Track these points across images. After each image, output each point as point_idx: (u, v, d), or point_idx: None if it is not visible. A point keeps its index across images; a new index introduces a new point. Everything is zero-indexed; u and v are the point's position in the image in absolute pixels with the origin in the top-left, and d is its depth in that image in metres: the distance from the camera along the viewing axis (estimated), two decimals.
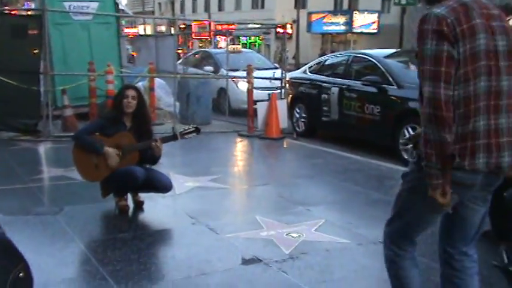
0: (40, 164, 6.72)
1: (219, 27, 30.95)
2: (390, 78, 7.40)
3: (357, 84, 7.89)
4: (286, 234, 4.06)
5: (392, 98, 7.26)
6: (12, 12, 12.77)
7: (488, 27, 2.09)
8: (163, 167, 5.80)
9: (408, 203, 2.28)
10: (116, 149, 4.35)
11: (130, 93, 4.47)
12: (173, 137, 4.54)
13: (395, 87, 7.26)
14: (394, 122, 7.12)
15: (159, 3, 55.36)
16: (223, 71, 11.65)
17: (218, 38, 36.71)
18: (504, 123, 2.11)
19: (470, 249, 2.37)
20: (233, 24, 32.06)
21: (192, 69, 12.70)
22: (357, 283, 3.33)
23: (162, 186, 4.49)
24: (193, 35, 41.36)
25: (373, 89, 7.55)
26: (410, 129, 6.88)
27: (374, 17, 36.26)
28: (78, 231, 4.05)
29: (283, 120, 8.78)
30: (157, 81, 10.47)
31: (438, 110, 1.98)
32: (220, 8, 47.39)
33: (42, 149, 7.49)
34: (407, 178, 2.28)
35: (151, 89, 9.87)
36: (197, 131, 4.60)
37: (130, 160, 4.36)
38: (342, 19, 36.10)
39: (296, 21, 32.79)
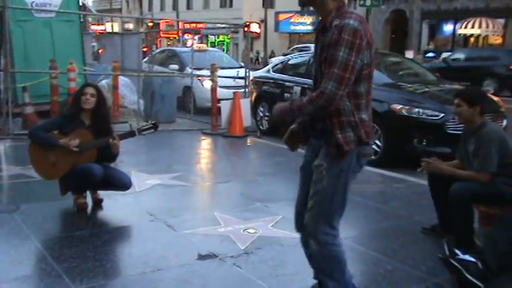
0: None
1: (188, 26, 30.84)
2: None
3: None
4: (243, 230, 4.14)
5: None
6: None
7: None
8: (125, 164, 5.84)
9: (335, 189, 2.60)
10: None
11: (89, 90, 4.48)
12: (131, 134, 4.56)
13: None
14: None
15: (127, 1, 54.74)
16: (188, 70, 11.66)
17: (186, 36, 36.56)
18: None
19: None
20: (201, 23, 31.98)
21: (157, 68, 12.65)
22: (309, 277, 3.37)
23: (121, 184, 4.51)
24: (161, 33, 41.09)
25: None
26: None
27: None
28: (34, 229, 4.04)
29: (246, 119, 8.86)
30: (122, 79, 10.42)
31: (329, 105, 2.42)
32: (189, 7, 47.21)
33: (1, 146, 7.37)
34: (329, 170, 2.58)
35: (115, 87, 9.82)
36: (155, 127, 4.63)
37: (88, 157, 4.37)
38: (308, 19, 36.47)
39: (264, 21, 32.95)
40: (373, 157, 6.92)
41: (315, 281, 2.94)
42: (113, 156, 4.52)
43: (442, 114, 6.53)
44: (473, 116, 3.70)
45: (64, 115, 4.63)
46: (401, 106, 6.77)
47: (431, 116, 6.58)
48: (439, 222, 4.03)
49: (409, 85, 7.69)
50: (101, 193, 4.72)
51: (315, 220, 2.66)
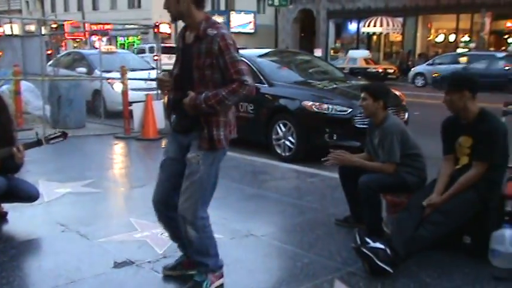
0: None
1: (95, 27, 29.74)
2: (261, 77, 7.67)
3: None
4: (161, 234, 4.05)
5: (265, 96, 7.55)
6: None
7: None
8: (32, 174, 5.52)
9: (209, 176, 2.96)
10: None
11: None
12: (37, 143, 4.30)
13: (267, 86, 7.56)
14: (267, 119, 7.41)
15: (27, 2, 51.85)
16: (97, 73, 11.27)
17: (94, 38, 35.26)
18: None
19: None
20: (109, 24, 30.97)
21: (63, 71, 12.13)
22: (228, 276, 3.40)
23: (26, 195, 4.26)
24: (66, 35, 39.33)
25: None
26: (282, 125, 7.21)
27: (250, 17, 37.22)
28: None
29: (160, 121, 8.72)
30: (25, 84, 9.88)
31: (251, 93, 2.84)
32: (95, 7, 45.60)
33: None
34: (204, 160, 2.91)
35: (17, 92, 9.28)
36: (64, 135, 4.41)
37: None
38: (219, 19, 36.47)
39: (174, 21, 32.51)
40: (287, 153, 7.15)
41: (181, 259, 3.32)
42: (16, 167, 4.25)
43: (350, 110, 6.81)
44: (377, 110, 3.90)
45: None
46: (311, 103, 6.97)
47: (340, 111, 6.84)
48: (351, 213, 4.20)
49: (319, 82, 7.94)
50: (6, 205, 4.44)
51: (193, 209, 2.94)
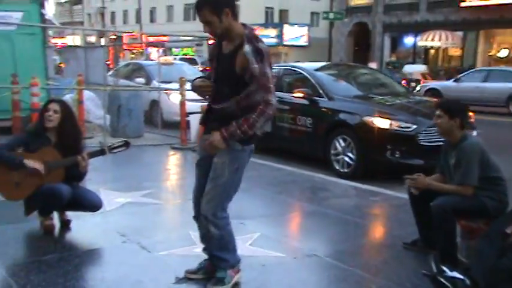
0: None
1: (151, 39, 30.52)
2: (321, 91, 7.54)
3: (288, 96, 7.96)
4: None
5: (323, 109, 7.40)
6: None
7: None
8: (92, 182, 5.59)
9: (233, 182, 3.12)
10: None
11: (53, 107, 4.23)
12: (101, 152, 4.35)
13: (326, 99, 7.41)
14: (326, 133, 7.24)
15: (89, 14, 53.96)
16: (155, 83, 11.45)
17: (150, 49, 36.22)
18: None
19: None
20: (165, 35, 31.70)
21: (123, 81, 12.40)
22: None
23: (90, 204, 4.29)
24: (124, 46, 40.59)
25: (304, 101, 7.65)
26: (341, 141, 7.03)
27: (304, 30, 37.15)
28: None
29: None
30: (87, 93, 10.13)
31: (274, 113, 3.03)
32: (152, 20, 46.88)
33: None
34: (229, 165, 3.05)
35: (80, 101, 9.52)
36: (126, 145, 4.44)
37: (55, 177, 4.12)
38: (273, 32, 36.70)
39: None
40: (345, 170, 6.96)
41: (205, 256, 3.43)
42: (80, 176, 4.30)
43: (414, 126, 6.54)
44: (453, 128, 3.68)
45: (29, 132, 4.39)
46: (373, 118, 6.75)
47: (404, 127, 6.59)
48: (420, 237, 3.97)
49: (380, 97, 7.72)
50: (69, 213, 4.48)
51: (215, 209, 3.11)
